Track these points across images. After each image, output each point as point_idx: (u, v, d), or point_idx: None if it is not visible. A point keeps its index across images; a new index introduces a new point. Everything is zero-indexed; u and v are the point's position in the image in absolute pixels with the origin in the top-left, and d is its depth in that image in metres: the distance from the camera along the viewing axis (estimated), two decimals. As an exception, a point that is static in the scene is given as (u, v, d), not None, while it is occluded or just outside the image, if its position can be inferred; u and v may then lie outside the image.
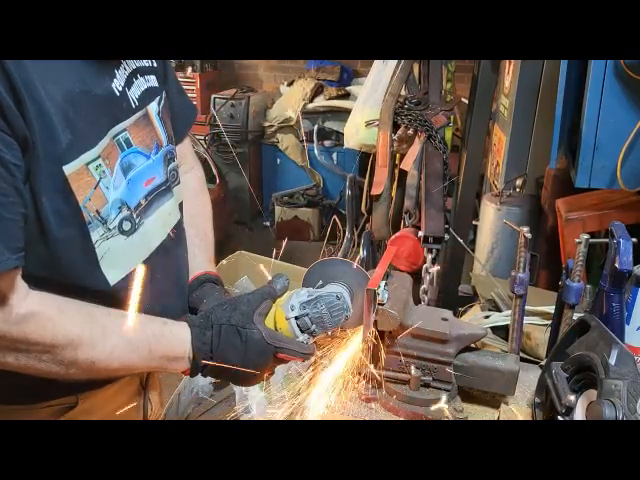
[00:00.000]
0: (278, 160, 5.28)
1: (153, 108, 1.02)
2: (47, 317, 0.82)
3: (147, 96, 1.00)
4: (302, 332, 0.97)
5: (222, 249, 4.64)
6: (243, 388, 2.34)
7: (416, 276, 1.91)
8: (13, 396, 0.95)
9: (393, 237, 2.04)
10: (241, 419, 2.38)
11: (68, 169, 0.83)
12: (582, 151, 1.82)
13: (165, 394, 2.73)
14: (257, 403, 2.32)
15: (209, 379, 2.81)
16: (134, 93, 0.97)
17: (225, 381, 0.98)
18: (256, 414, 2.27)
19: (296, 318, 0.96)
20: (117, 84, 0.92)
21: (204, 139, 5.05)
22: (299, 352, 0.96)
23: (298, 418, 1.07)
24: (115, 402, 1.07)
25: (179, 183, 1.11)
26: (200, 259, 1.18)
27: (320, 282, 1.04)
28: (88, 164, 0.86)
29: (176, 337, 0.94)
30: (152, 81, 1.03)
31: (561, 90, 1.87)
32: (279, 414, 1.07)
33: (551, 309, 1.45)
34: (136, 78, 0.98)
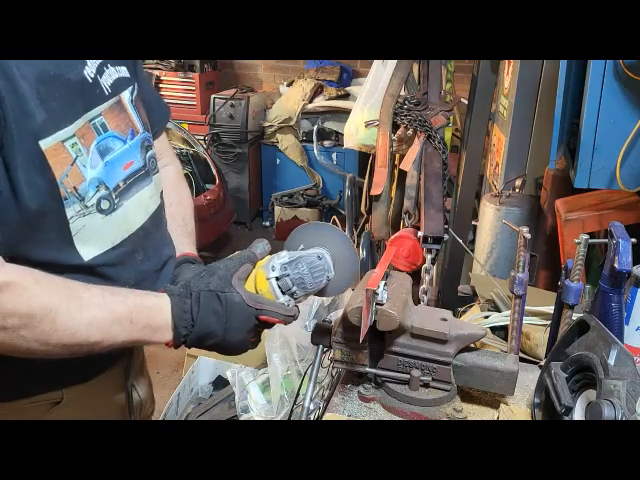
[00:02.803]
0: (278, 160, 5.28)
1: (126, 96, 1.03)
2: (23, 287, 0.81)
3: (119, 85, 1.01)
4: (283, 293, 0.95)
5: (222, 249, 4.66)
6: (244, 380, 2.34)
7: (414, 275, 1.90)
8: None
9: (392, 237, 2.04)
10: (240, 419, 2.38)
11: (44, 144, 0.84)
12: (581, 152, 1.82)
13: (164, 393, 2.74)
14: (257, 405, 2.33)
15: (209, 379, 2.82)
16: (106, 81, 0.97)
17: (210, 350, 0.97)
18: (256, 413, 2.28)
19: (277, 279, 0.94)
20: (89, 71, 0.93)
21: (204, 139, 5.06)
22: (281, 314, 0.94)
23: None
24: (102, 396, 1.07)
25: (158, 172, 1.12)
26: (178, 243, 1.18)
27: (302, 246, 1.01)
28: (64, 141, 0.87)
29: (156, 306, 0.93)
30: (123, 72, 1.03)
31: (560, 90, 1.87)
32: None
33: (550, 309, 1.45)
34: (106, 67, 0.98)
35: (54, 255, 0.90)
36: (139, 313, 0.91)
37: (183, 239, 1.20)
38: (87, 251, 0.94)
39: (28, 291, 0.81)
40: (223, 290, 0.92)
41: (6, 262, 0.82)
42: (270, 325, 0.97)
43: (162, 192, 1.14)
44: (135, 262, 1.02)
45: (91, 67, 0.94)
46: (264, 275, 0.95)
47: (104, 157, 0.95)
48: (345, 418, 1.11)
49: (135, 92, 1.06)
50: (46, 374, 0.95)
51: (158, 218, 1.11)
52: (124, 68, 1.04)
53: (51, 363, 0.88)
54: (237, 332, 0.94)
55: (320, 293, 1.03)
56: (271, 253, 1.03)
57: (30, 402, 0.98)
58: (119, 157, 0.98)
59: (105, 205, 0.94)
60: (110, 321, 0.88)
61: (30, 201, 0.84)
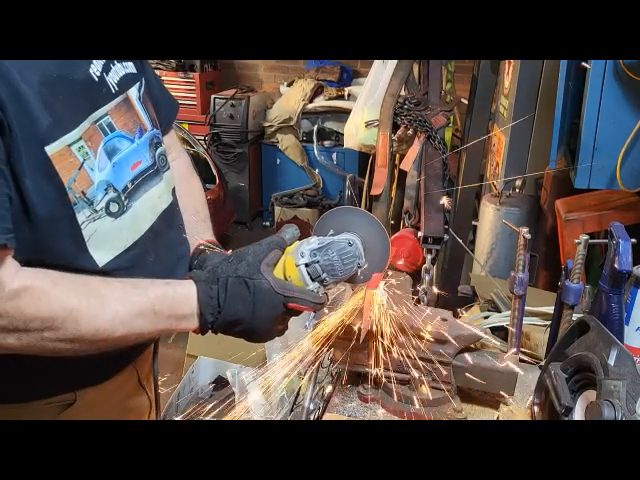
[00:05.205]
0: (278, 160, 5.28)
1: (133, 93, 1.01)
2: (41, 290, 0.81)
3: (126, 82, 0.99)
4: (313, 280, 0.94)
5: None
6: (244, 380, 2.33)
7: (414, 275, 1.90)
8: (7, 393, 0.94)
9: (392, 237, 2.04)
10: (240, 419, 2.38)
11: (50, 150, 0.83)
12: (581, 152, 1.82)
13: (164, 393, 2.73)
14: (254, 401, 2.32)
15: (209, 379, 2.82)
16: (112, 78, 0.96)
17: (237, 337, 0.96)
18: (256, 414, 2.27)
19: (306, 265, 0.93)
20: (95, 69, 0.92)
21: (204, 139, 5.05)
22: (310, 301, 0.93)
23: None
24: (114, 398, 1.06)
25: (169, 169, 1.11)
26: (194, 233, 1.17)
27: (331, 232, 1.00)
28: (70, 145, 0.85)
29: (181, 295, 0.92)
30: (130, 67, 1.02)
31: (560, 91, 1.87)
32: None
33: (550, 309, 1.45)
34: (113, 64, 0.97)
35: (70, 262, 0.89)
36: (162, 304, 0.90)
37: (198, 228, 1.19)
38: (101, 256, 0.93)
39: (47, 294, 0.81)
40: (251, 277, 0.91)
41: (23, 267, 0.81)
42: (298, 312, 0.95)
43: (174, 189, 1.12)
44: (147, 263, 1.01)
45: (97, 65, 0.92)
46: (293, 261, 0.94)
47: (111, 158, 0.93)
48: (345, 418, 1.11)
49: (143, 88, 1.05)
50: (58, 375, 0.95)
51: (169, 217, 1.09)
52: (131, 64, 1.02)
53: (63, 364, 0.88)
54: (265, 319, 0.93)
55: (350, 280, 1.02)
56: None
57: (43, 403, 0.97)
58: (126, 157, 0.96)
59: (114, 208, 0.93)
60: (133, 315, 0.88)
61: (39, 209, 0.83)
